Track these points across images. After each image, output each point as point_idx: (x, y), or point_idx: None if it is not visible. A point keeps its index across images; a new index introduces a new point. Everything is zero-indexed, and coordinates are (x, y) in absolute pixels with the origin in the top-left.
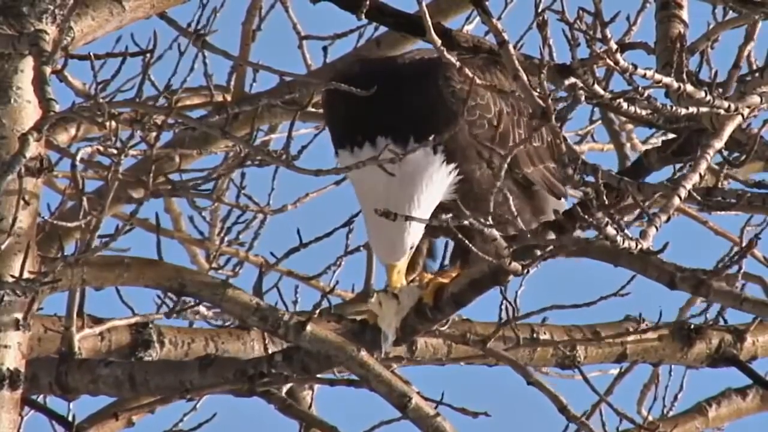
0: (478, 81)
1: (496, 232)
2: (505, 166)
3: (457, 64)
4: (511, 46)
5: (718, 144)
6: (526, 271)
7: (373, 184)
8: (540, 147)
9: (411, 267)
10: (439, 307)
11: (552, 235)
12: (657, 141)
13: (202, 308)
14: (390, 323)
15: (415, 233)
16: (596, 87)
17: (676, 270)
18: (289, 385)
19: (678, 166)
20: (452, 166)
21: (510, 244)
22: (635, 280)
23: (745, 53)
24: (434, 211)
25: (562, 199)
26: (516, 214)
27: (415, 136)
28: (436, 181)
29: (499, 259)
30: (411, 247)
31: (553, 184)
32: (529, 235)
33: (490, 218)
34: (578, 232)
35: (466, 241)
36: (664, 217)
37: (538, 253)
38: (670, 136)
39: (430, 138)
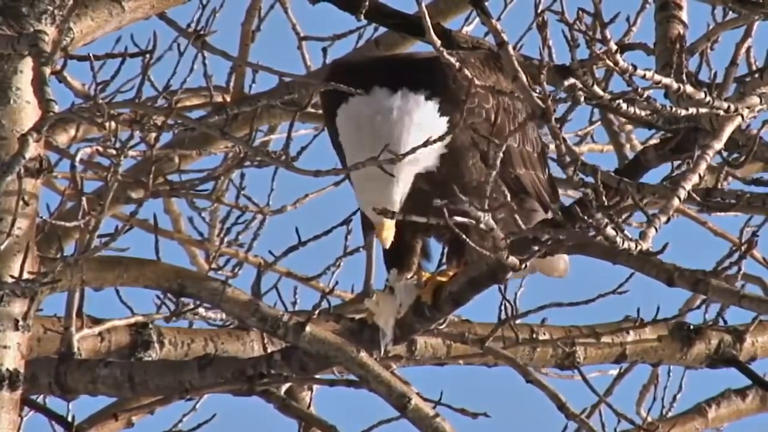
0: (476, 81)
1: (492, 222)
2: (500, 155)
3: (457, 65)
4: (510, 47)
5: (718, 145)
6: (524, 266)
7: (360, 124)
8: (532, 153)
9: (407, 266)
10: (438, 306)
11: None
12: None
13: (201, 310)
14: (388, 321)
15: (403, 185)
16: (596, 88)
17: (675, 270)
18: (287, 385)
19: (676, 163)
20: (445, 119)
21: (507, 236)
22: (635, 282)
23: (743, 50)
24: (427, 207)
25: (549, 213)
26: (511, 201)
27: (410, 88)
28: (426, 129)
29: (496, 252)
30: (400, 201)
31: (542, 192)
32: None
33: (486, 205)
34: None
35: (463, 236)
36: (663, 218)
37: (536, 248)
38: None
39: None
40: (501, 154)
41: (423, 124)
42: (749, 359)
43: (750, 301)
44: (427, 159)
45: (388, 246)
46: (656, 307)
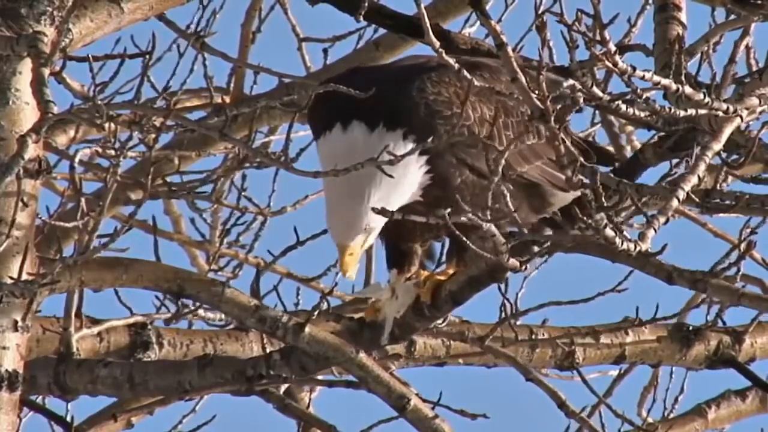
0: (476, 83)
1: (494, 228)
2: (500, 169)
3: (456, 66)
4: (509, 48)
5: (717, 146)
6: (524, 267)
7: (338, 161)
8: (536, 144)
9: (407, 267)
10: (437, 305)
11: (549, 232)
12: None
13: (201, 312)
14: (388, 318)
15: (372, 217)
16: (595, 89)
17: (674, 270)
18: (287, 385)
19: (675, 162)
20: (423, 159)
21: (508, 240)
22: (635, 282)
23: (741, 48)
24: (429, 210)
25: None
26: (513, 210)
27: (386, 125)
28: (402, 168)
29: (497, 256)
30: (365, 230)
31: (555, 177)
32: (526, 231)
33: (488, 213)
34: (576, 232)
35: (463, 238)
36: (662, 219)
37: (536, 249)
38: None
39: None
40: (502, 161)
41: (400, 164)
42: (748, 360)
43: (750, 300)
44: (405, 195)
45: (347, 274)
46: (656, 307)
